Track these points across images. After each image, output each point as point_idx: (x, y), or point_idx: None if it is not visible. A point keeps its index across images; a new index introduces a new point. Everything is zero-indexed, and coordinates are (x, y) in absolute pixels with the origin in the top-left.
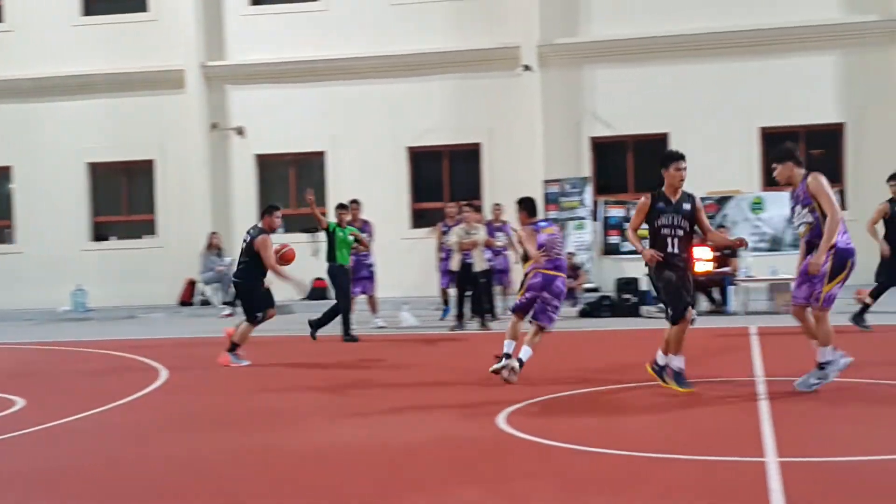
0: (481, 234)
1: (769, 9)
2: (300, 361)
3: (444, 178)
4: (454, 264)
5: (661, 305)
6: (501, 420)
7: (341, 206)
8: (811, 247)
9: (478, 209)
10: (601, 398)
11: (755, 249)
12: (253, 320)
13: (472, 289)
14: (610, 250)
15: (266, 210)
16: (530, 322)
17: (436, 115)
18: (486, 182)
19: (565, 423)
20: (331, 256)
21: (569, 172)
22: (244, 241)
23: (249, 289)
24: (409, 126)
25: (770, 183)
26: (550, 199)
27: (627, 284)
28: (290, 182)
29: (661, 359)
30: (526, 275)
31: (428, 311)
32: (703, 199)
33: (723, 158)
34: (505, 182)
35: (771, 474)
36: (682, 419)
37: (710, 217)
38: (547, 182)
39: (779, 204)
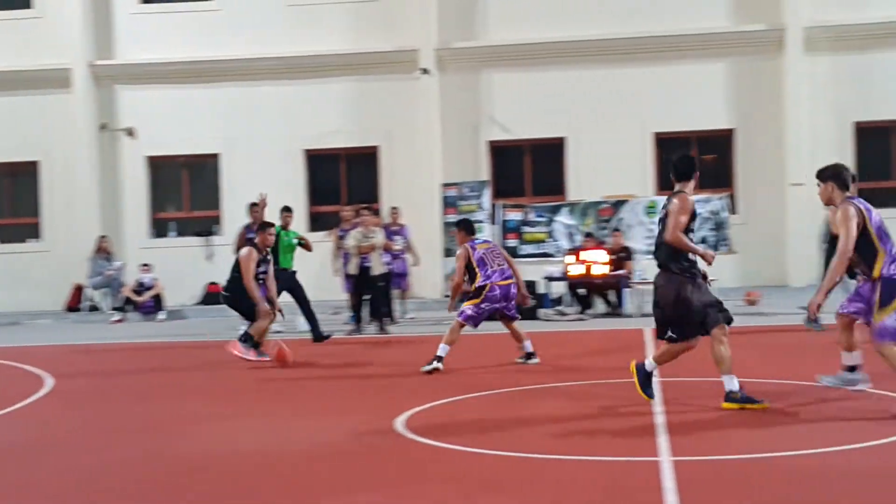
0: (379, 237)
1: (663, 17)
2: (192, 368)
3: (341, 181)
4: (352, 268)
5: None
6: (400, 424)
7: (286, 209)
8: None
9: (375, 213)
10: (499, 401)
11: (648, 253)
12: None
13: (370, 293)
14: (508, 253)
15: (260, 227)
16: (505, 324)
17: (333, 118)
18: (384, 185)
19: (463, 425)
20: (274, 260)
21: (467, 176)
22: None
23: (238, 300)
24: (306, 129)
25: (664, 187)
26: (448, 203)
27: (525, 287)
28: (183, 185)
29: (728, 383)
30: (481, 288)
31: (325, 316)
32: (597, 203)
33: (618, 163)
34: (403, 185)
35: (665, 473)
36: (579, 420)
37: (607, 220)
38: (445, 186)
39: None
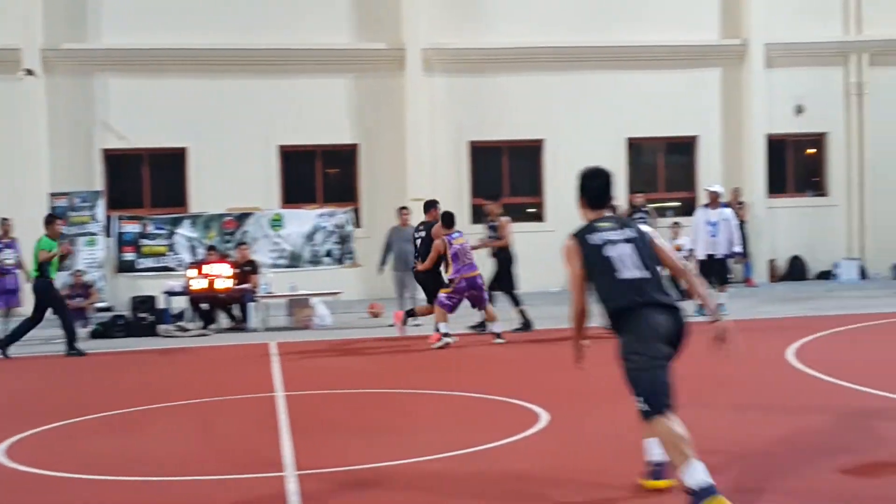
0: None
1: (287, 30)
2: None
3: None
4: None
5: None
6: (1, 454)
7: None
8: None
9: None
10: (114, 423)
11: (274, 266)
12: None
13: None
14: (125, 267)
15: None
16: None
17: None
18: None
19: (73, 452)
20: (41, 272)
21: (79, 185)
22: None
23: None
24: None
25: (289, 200)
26: (58, 214)
27: (143, 303)
28: None
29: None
30: (451, 280)
31: None
32: (221, 215)
33: (242, 175)
34: (6, 194)
35: (290, 488)
36: (201, 439)
37: (231, 233)
38: (54, 195)
39: (297, 221)
